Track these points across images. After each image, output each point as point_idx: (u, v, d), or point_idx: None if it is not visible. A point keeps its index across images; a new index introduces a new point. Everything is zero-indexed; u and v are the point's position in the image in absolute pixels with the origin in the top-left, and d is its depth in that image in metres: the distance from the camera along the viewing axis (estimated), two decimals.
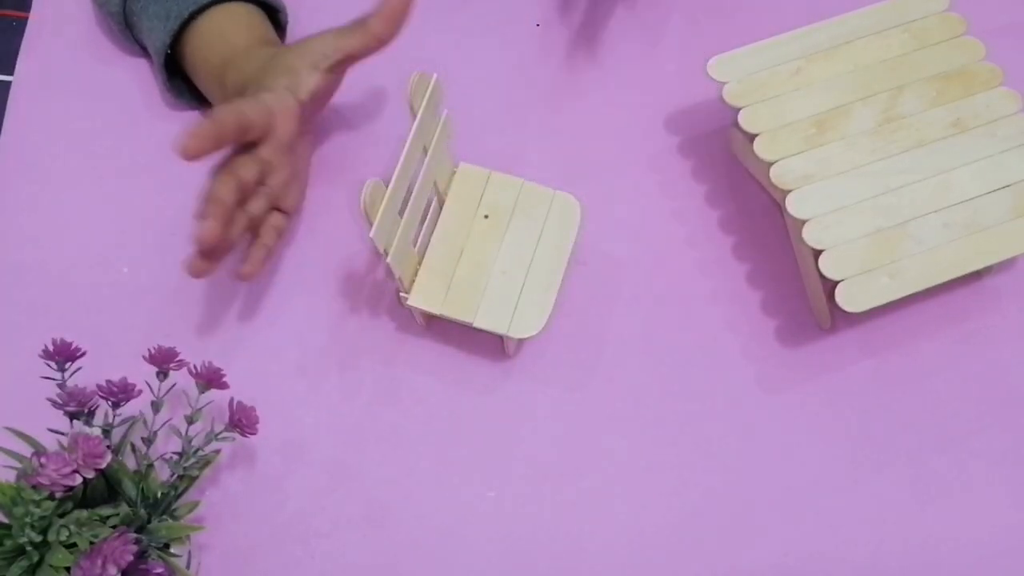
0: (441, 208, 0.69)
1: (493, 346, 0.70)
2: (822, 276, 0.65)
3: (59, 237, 0.74)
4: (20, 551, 0.54)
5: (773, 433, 0.68)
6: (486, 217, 0.69)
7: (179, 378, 0.61)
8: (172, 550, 0.60)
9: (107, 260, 0.73)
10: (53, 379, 0.60)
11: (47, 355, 0.60)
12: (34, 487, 0.53)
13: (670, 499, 0.66)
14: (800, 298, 0.72)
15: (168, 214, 0.75)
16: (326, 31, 0.70)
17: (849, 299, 0.64)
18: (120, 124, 0.78)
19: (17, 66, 0.81)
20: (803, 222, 0.66)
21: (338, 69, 0.70)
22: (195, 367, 0.61)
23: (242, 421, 0.60)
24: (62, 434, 0.60)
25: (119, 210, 0.75)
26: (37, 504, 0.53)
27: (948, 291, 0.72)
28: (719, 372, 0.70)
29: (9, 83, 0.81)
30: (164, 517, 0.60)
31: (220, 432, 0.60)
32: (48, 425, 0.60)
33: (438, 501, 0.66)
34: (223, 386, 0.61)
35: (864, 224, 0.66)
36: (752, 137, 0.69)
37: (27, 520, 0.53)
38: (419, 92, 0.63)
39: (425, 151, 0.65)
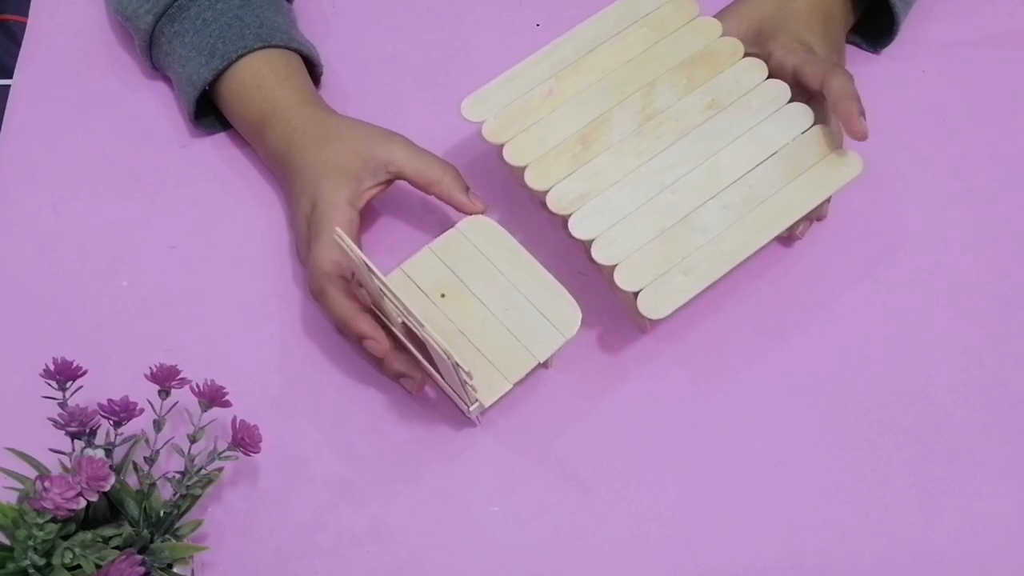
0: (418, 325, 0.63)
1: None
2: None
3: (57, 249, 0.73)
4: (23, 574, 0.54)
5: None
6: (443, 296, 0.66)
7: (181, 395, 0.61)
8: (175, 570, 0.59)
9: (106, 273, 0.73)
10: (54, 398, 0.59)
11: (48, 374, 0.59)
12: (37, 510, 0.53)
13: (675, 514, 0.66)
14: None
15: (168, 224, 0.74)
16: (388, 134, 0.69)
17: (651, 307, 0.63)
18: (119, 132, 0.78)
19: (16, 72, 0.80)
20: (590, 242, 0.65)
21: (394, 180, 0.70)
22: (197, 385, 0.61)
23: (245, 439, 0.60)
24: (64, 454, 0.60)
25: (118, 221, 0.75)
26: (40, 527, 0.53)
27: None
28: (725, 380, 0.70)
29: (8, 87, 0.80)
30: (167, 536, 0.59)
31: (223, 451, 0.60)
32: (48, 443, 0.60)
33: (441, 517, 0.66)
34: (226, 404, 0.61)
35: (648, 229, 0.65)
36: (522, 170, 0.68)
37: (30, 543, 0.53)
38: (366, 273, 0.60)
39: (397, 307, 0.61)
